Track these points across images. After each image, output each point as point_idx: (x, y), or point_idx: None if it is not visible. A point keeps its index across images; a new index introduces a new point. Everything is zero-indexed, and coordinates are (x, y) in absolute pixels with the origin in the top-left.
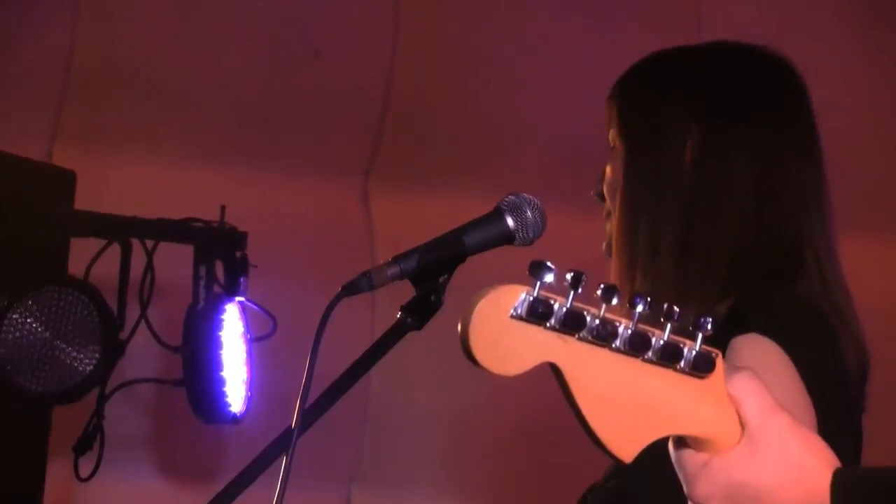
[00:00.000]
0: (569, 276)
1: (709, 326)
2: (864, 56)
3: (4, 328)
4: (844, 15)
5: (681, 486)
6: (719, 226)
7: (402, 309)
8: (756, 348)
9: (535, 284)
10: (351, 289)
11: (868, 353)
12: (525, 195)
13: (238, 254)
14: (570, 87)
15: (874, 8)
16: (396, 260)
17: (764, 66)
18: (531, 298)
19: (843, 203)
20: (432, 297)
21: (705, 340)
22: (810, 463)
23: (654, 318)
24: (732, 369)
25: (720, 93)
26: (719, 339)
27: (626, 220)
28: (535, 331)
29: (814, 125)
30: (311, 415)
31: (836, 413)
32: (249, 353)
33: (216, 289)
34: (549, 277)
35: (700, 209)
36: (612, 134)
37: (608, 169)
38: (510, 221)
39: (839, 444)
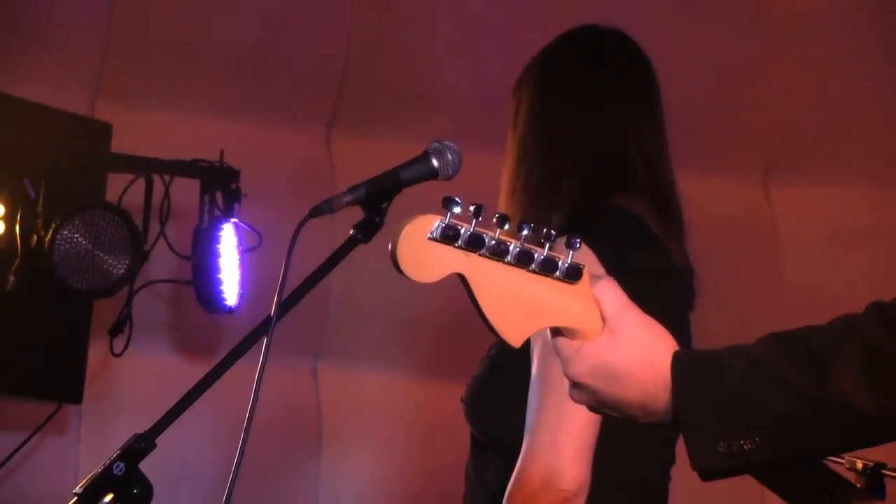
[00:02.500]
0: (472, 208)
1: (578, 245)
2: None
3: (58, 241)
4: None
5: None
6: (553, 153)
7: (354, 227)
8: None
9: (446, 214)
10: (316, 211)
11: (688, 257)
12: (447, 141)
13: (233, 186)
14: (485, 57)
15: None
16: (350, 190)
17: (600, 39)
18: (443, 225)
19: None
20: (377, 219)
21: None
22: (656, 347)
23: (536, 238)
24: (596, 277)
25: (561, 62)
26: None
27: (507, 164)
28: (446, 249)
29: (641, 78)
30: (286, 306)
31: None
32: (241, 260)
33: (216, 212)
34: (456, 209)
35: (544, 143)
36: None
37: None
38: (435, 162)
39: None
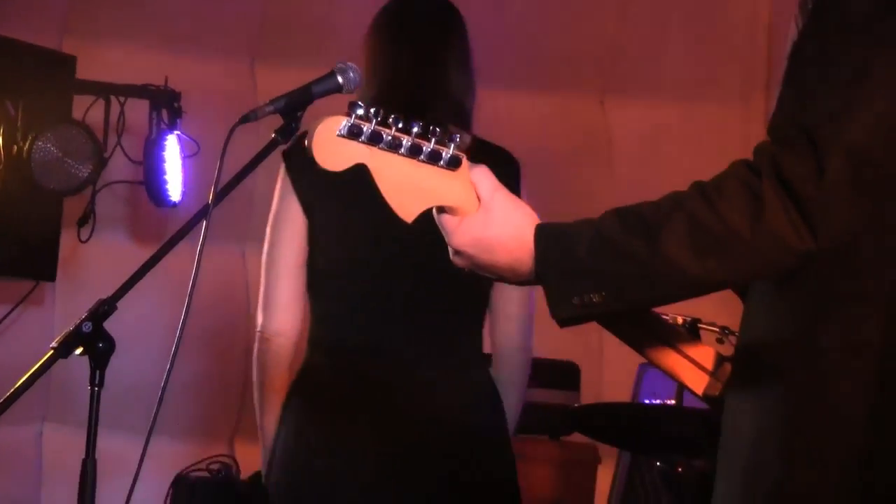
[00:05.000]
0: (372, 110)
1: (458, 139)
2: None
3: (34, 150)
4: None
5: None
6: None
7: (275, 132)
8: None
9: (352, 115)
10: (244, 119)
11: None
12: (349, 63)
13: (176, 105)
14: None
15: None
16: (272, 101)
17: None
18: (349, 124)
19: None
20: (293, 125)
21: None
22: (522, 221)
23: (424, 134)
24: (473, 164)
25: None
26: None
27: None
28: (351, 144)
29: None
30: (220, 197)
31: None
32: (184, 164)
33: (162, 126)
34: (360, 111)
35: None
36: None
37: None
38: (339, 78)
39: None
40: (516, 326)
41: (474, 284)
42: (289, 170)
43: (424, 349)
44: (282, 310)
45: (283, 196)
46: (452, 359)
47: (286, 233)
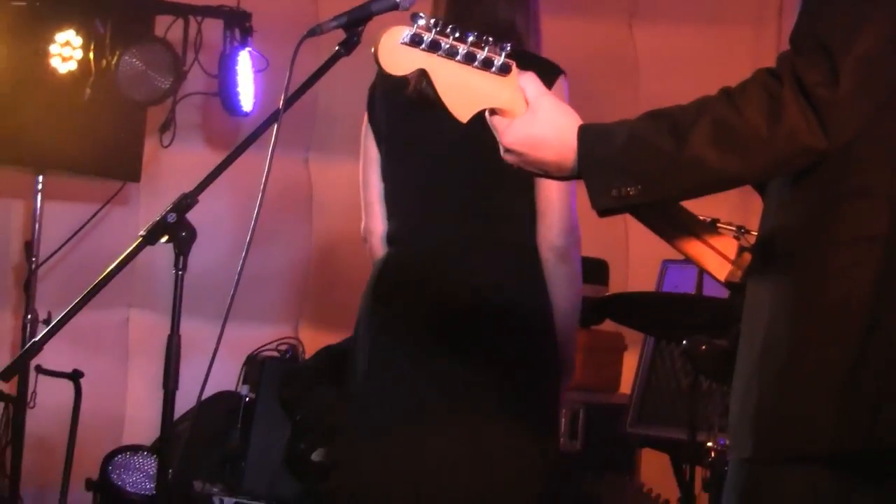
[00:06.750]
0: (432, 21)
1: (508, 48)
2: None
3: (121, 64)
4: None
5: None
6: None
7: (339, 45)
8: None
9: (413, 25)
10: (310, 33)
11: None
12: None
13: (247, 24)
14: None
15: None
16: (335, 18)
17: None
18: (411, 33)
19: None
20: (355, 38)
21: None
22: (566, 121)
23: (478, 43)
24: (521, 71)
25: None
26: None
27: None
28: (413, 51)
29: None
30: (289, 103)
31: None
32: (256, 78)
33: (235, 43)
34: (421, 21)
35: None
36: None
37: None
38: None
39: None
40: (549, 228)
41: (518, 185)
42: (369, 104)
43: (471, 238)
44: (371, 212)
45: (367, 127)
46: (498, 247)
47: (370, 153)
